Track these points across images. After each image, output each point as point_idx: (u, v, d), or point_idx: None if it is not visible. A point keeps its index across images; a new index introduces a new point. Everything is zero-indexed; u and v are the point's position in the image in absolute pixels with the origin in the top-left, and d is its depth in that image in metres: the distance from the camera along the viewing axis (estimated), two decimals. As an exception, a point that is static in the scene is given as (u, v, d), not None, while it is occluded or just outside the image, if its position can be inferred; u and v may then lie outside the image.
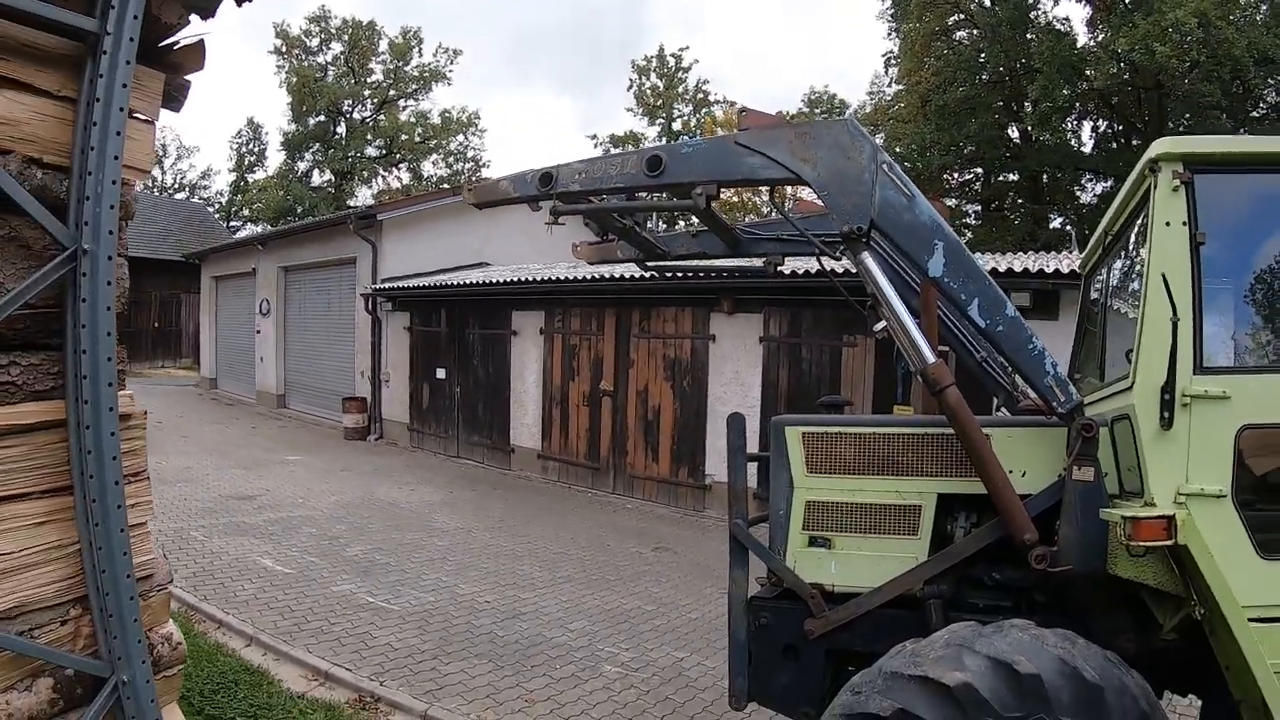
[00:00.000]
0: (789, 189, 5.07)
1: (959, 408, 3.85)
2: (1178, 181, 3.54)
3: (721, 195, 4.50)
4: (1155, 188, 3.62)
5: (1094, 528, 3.61)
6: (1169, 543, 3.30)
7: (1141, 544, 3.35)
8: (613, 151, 52.13)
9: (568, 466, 15.89)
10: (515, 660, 7.10)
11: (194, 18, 3.23)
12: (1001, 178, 35.22)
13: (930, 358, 3.95)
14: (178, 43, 3.17)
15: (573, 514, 13.42)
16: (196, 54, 3.22)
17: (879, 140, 38.71)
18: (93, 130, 2.67)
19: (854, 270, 4.21)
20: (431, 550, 10.57)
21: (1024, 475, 4.03)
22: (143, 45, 2.85)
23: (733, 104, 52.39)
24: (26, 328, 2.72)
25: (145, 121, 2.95)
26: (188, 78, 3.28)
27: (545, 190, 4.62)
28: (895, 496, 4.24)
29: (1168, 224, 3.55)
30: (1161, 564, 3.49)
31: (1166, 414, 3.41)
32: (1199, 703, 4.45)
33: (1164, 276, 3.42)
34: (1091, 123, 32.74)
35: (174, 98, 3.22)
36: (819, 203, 4.30)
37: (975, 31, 31.73)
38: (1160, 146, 3.64)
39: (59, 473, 2.80)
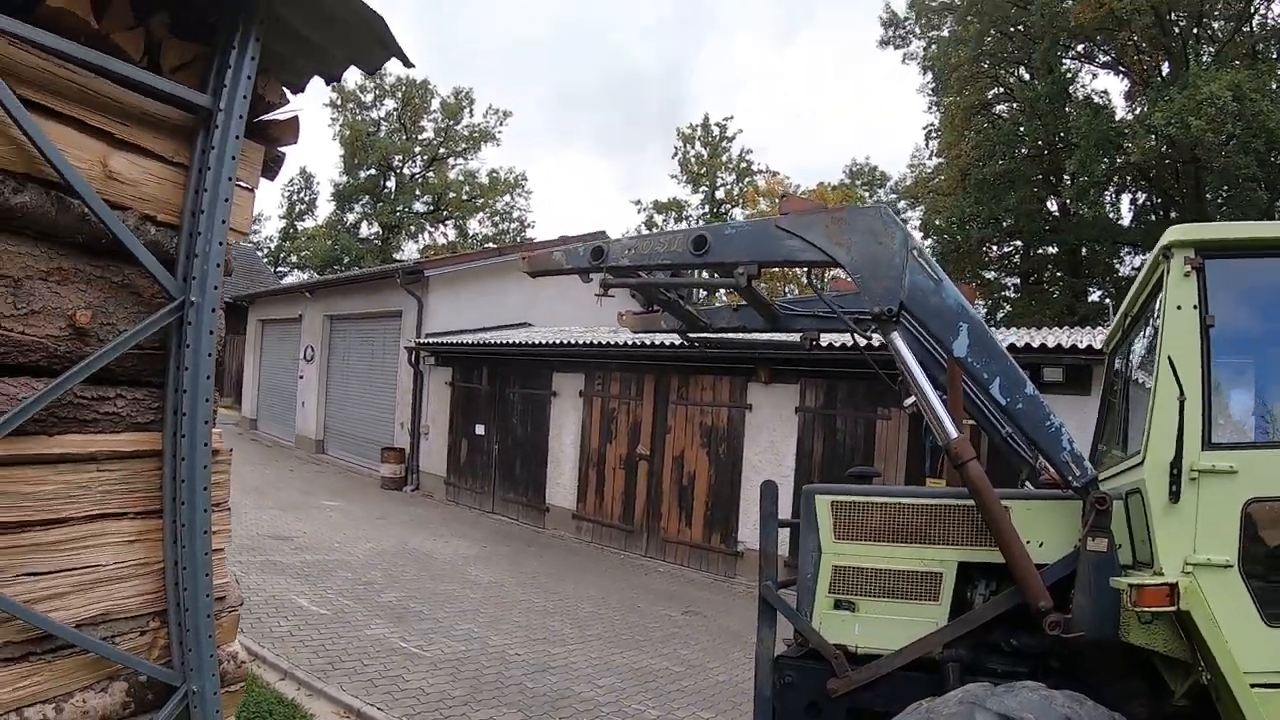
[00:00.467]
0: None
1: (979, 480, 4.05)
2: (1189, 267, 3.75)
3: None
4: (1168, 273, 3.84)
5: (1107, 596, 3.76)
6: (1172, 609, 3.47)
7: (1146, 609, 3.52)
8: (656, 217, 53.05)
9: (601, 527, 16.00)
10: (543, 712, 7.24)
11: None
12: (1040, 250, 35.15)
13: (953, 432, 4.17)
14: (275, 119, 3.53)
15: (605, 574, 13.54)
16: (292, 129, 3.59)
17: (919, 213, 39.10)
18: (203, 195, 3.01)
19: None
20: (465, 602, 10.72)
21: (1041, 545, 4.21)
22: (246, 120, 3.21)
23: (774, 174, 53.07)
24: (133, 366, 3.06)
25: (246, 189, 3.29)
26: (283, 150, 3.62)
27: (596, 264, 4.95)
28: (918, 564, 4.43)
29: (1179, 307, 3.75)
30: (1171, 631, 3.62)
31: (1175, 488, 3.59)
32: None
33: (1170, 359, 3.62)
34: (1130, 195, 32.75)
35: (270, 167, 3.57)
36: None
37: (1014, 105, 31.92)
38: (1173, 234, 3.87)
39: (151, 498, 3.12)
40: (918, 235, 40.78)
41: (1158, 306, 4.02)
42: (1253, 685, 3.41)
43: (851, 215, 4.50)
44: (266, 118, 3.48)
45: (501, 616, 10.20)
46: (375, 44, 3.41)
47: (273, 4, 3.13)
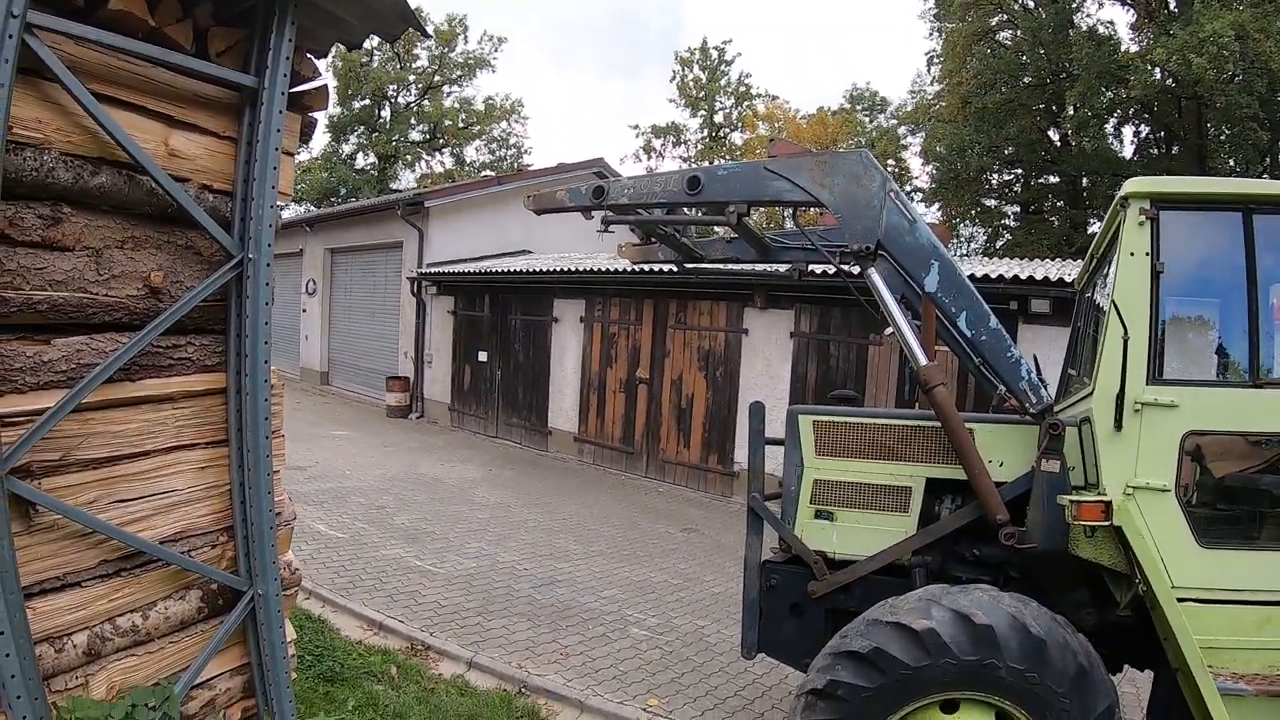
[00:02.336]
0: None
1: (945, 404, 4.50)
2: (1144, 217, 4.10)
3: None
4: (1124, 221, 4.20)
5: (1057, 512, 4.20)
6: (1106, 523, 3.94)
7: (1083, 522, 3.99)
8: (654, 142, 52.78)
9: (602, 450, 16.49)
10: (551, 620, 7.76)
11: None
12: (1041, 180, 34.63)
13: (923, 360, 4.61)
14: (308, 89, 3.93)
15: (606, 494, 14.03)
16: (323, 97, 4.01)
17: (919, 139, 38.89)
18: (254, 164, 3.43)
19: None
20: (473, 522, 11.22)
21: (1001, 465, 4.65)
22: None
23: (774, 98, 52.50)
24: (200, 317, 3.54)
25: (288, 154, 3.70)
26: (314, 116, 4.02)
27: (598, 202, 5.33)
28: (890, 479, 4.90)
29: (1132, 254, 4.12)
30: (1114, 546, 4.07)
31: (1119, 417, 4.01)
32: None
33: (1114, 302, 4.03)
34: (1134, 127, 32.25)
35: (305, 133, 3.97)
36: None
37: (1017, 33, 31.18)
38: (1130, 185, 4.23)
39: (218, 429, 3.64)
40: (918, 161, 40.68)
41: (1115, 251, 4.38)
42: (1180, 599, 3.85)
43: (834, 159, 4.89)
44: (300, 89, 3.87)
45: (509, 535, 10.71)
46: (398, 18, 3.80)
47: (306, -10, 3.51)
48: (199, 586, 3.68)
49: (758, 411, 5.36)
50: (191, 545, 3.62)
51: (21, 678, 2.96)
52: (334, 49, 4.22)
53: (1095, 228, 31.28)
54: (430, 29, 50.92)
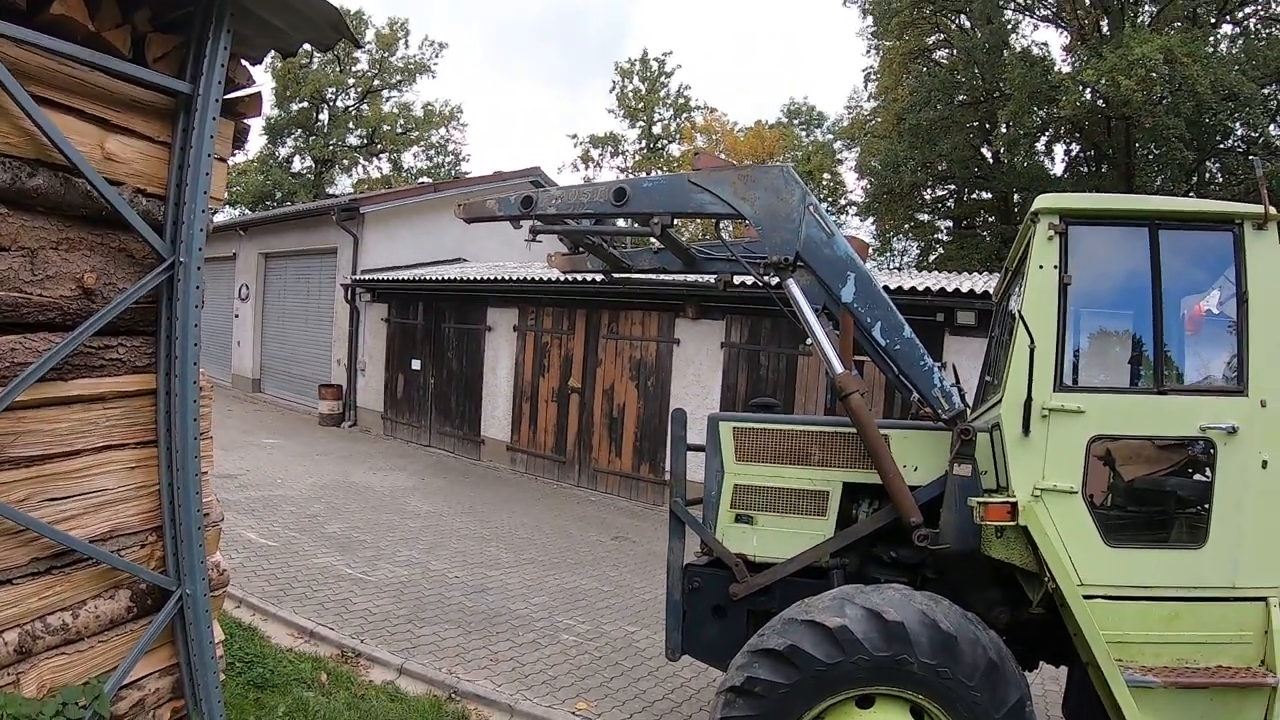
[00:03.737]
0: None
1: (860, 411, 4.66)
2: (1053, 231, 4.32)
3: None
4: (1034, 236, 4.40)
5: (969, 515, 4.37)
6: (1011, 523, 4.13)
7: (990, 523, 4.18)
8: (592, 152, 52.88)
9: (535, 459, 16.54)
10: (482, 627, 7.82)
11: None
12: (973, 196, 35.42)
13: (839, 368, 4.77)
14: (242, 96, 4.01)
15: (538, 503, 14.09)
16: (256, 104, 4.09)
17: (854, 154, 39.41)
18: (186, 169, 3.50)
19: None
20: (405, 530, 11.23)
21: (915, 470, 4.84)
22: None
23: (712, 110, 52.97)
24: (131, 318, 3.60)
25: (220, 160, 3.77)
26: (248, 122, 4.10)
27: (526, 212, 5.44)
28: (808, 483, 5.05)
29: (1041, 267, 4.34)
30: (1025, 546, 4.23)
31: (1026, 423, 4.21)
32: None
33: (1019, 314, 4.24)
34: (1064, 146, 32.99)
35: (239, 139, 4.04)
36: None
37: (954, 53, 31.84)
38: (1040, 202, 4.44)
39: (148, 429, 3.70)
40: (853, 176, 41.18)
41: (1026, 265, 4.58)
42: (1087, 596, 4.05)
43: (756, 173, 5.04)
44: (235, 95, 3.94)
45: (440, 543, 10.74)
46: (330, 29, 3.89)
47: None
48: (128, 586, 3.72)
49: (679, 418, 5.51)
50: (121, 544, 3.67)
51: (-47, 674, 2.99)
52: (269, 56, 4.30)
53: (1026, 243, 31.69)
54: (371, 33, 50.60)
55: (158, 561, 3.81)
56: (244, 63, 4.04)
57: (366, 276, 20.44)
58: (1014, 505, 4.15)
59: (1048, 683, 6.80)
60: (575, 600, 8.94)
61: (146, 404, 3.69)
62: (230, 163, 4.26)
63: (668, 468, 13.45)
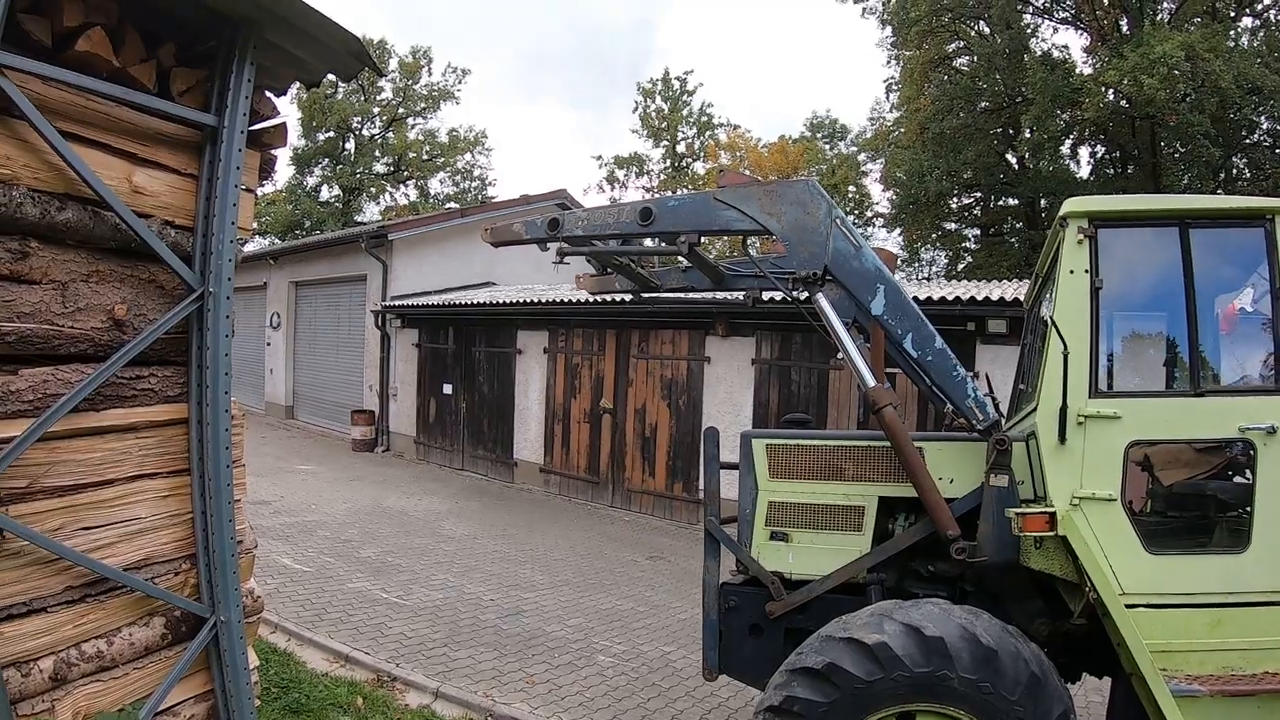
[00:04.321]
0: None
1: (894, 424, 4.61)
2: (1082, 235, 4.26)
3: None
4: (1064, 240, 4.35)
5: (1006, 525, 4.31)
6: (1050, 533, 4.06)
7: (1029, 534, 4.11)
8: (617, 172, 53.07)
9: (568, 480, 16.53)
10: (517, 650, 7.79)
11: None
12: (1000, 203, 35.24)
13: (871, 381, 4.72)
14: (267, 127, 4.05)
15: (572, 524, 14.06)
16: (281, 135, 4.13)
17: (879, 165, 39.33)
18: (214, 201, 3.54)
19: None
20: (439, 554, 11.24)
21: (951, 482, 4.77)
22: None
23: (735, 127, 53.00)
24: (162, 348, 3.63)
25: (248, 191, 3.80)
26: (274, 153, 4.14)
27: (553, 234, 5.44)
28: (843, 498, 5.01)
29: (1072, 271, 4.28)
30: (1064, 556, 4.17)
31: (1062, 431, 4.15)
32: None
33: (1052, 319, 4.19)
34: (1089, 148, 32.72)
35: (265, 170, 4.07)
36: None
37: (974, 59, 31.79)
38: (1068, 205, 4.38)
39: (180, 459, 3.72)
40: (878, 188, 41.07)
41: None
42: (1129, 605, 3.97)
43: (782, 188, 5.02)
44: (260, 127, 3.98)
45: (475, 566, 10.73)
46: (353, 59, 3.93)
47: (265, 32, 3.63)
48: (163, 613, 3.75)
49: (711, 437, 5.48)
50: (155, 572, 3.70)
51: (-13, 701, 3.01)
52: (293, 87, 4.34)
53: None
54: (394, 61, 51.06)
55: (192, 589, 3.84)
56: (268, 94, 4.09)
57: (396, 303, 20.53)
58: (1052, 515, 4.08)
59: (1090, 694, 6.67)
60: (611, 621, 8.90)
61: (179, 433, 3.73)
62: (258, 193, 4.30)
63: (701, 486, 13.51)
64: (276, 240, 47.26)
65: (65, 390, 3.24)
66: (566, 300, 16.07)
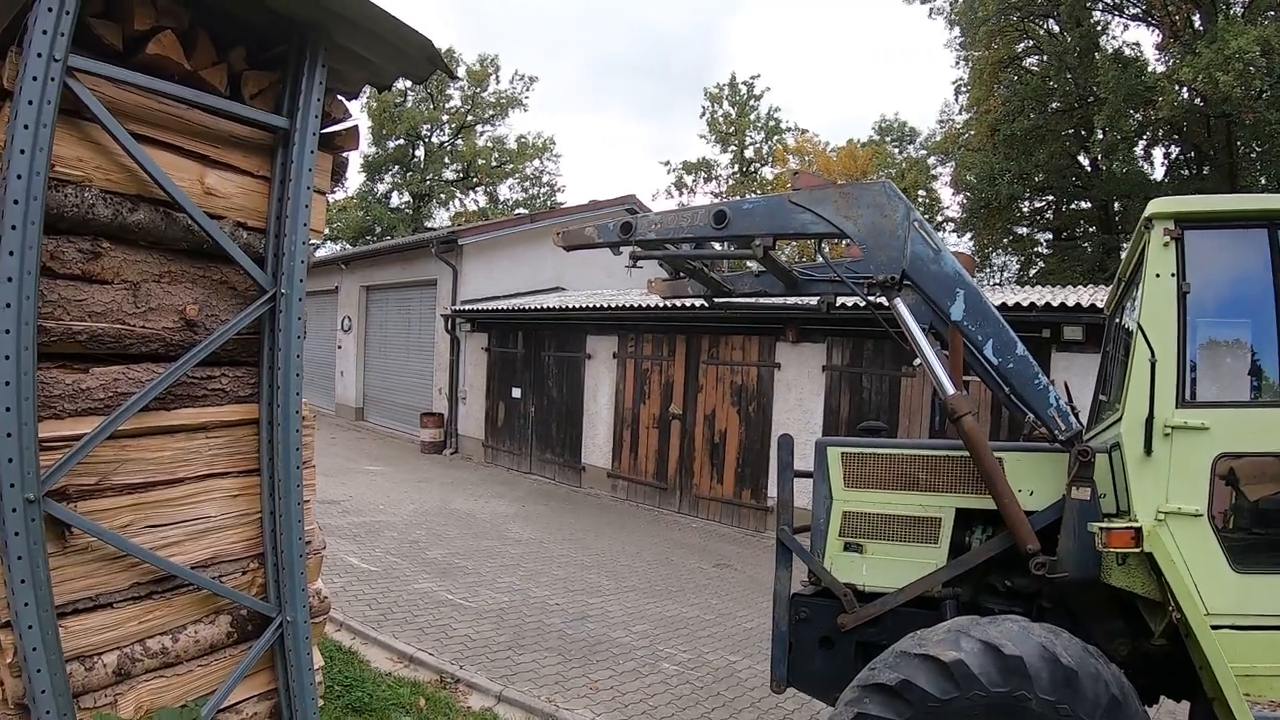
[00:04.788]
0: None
1: (973, 433, 4.46)
2: (1168, 238, 4.07)
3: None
4: (1149, 243, 4.17)
5: (1088, 541, 4.15)
6: (1136, 549, 3.87)
7: (1113, 550, 3.94)
8: (685, 178, 53.01)
9: (636, 485, 16.48)
10: (582, 655, 7.75)
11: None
12: (1072, 206, 34.52)
13: (950, 389, 4.58)
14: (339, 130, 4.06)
15: (639, 530, 14.00)
16: (353, 137, 4.14)
17: (949, 169, 38.75)
18: (286, 203, 3.54)
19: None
20: (506, 557, 11.24)
21: (1031, 494, 4.61)
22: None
23: (804, 131, 52.66)
24: (234, 349, 3.65)
25: (319, 193, 3.81)
26: (345, 156, 4.14)
27: (625, 238, 5.38)
28: (919, 509, 4.86)
29: (1158, 275, 4.09)
30: (1147, 574, 3.99)
31: (1148, 442, 3.97)
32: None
33: (1140, 325, 4.01)
34: (1163, 149, 31.89)
35: (337, 173, 4.08)
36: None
37: (1044, 59, 31.21)
38: (1153, 206, 4.20)
39: (250, 459, 3.73)
40: (948, 191, 40.49)
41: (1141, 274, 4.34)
42: (1215, 626, 3.77)
43: (858, 190, 4.90)
44: (331, 129, 3.99)
45: (541, 570, 10.71)
46: (425, 61, 3.91)
47: (335, 35, 3.62)
48: (229, 611, 3.76)
49: (786, 444, 5.36)
50: (222, 571, 3.72)
51: (52, 694, 3.06)
52: (364, 90, 4.34)
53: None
54: (462, 69, 51.64)
55: (259, 588, 3.85)
56: (339, 97, 4.10)
57: (466, 307, 20.70)
58: (1138, 530, 3.89)
59: (1163, 717, 6.42)
60: (676, 628, 8.81)
61: (249, 433, 3.75)
62: (330, 198, 4.31)
63: (771, 494, 13.45)
64: (348, 245, 48.04)
65: (136, 389, 3.27)
66: (636, 305, 16.06)
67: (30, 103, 2.91)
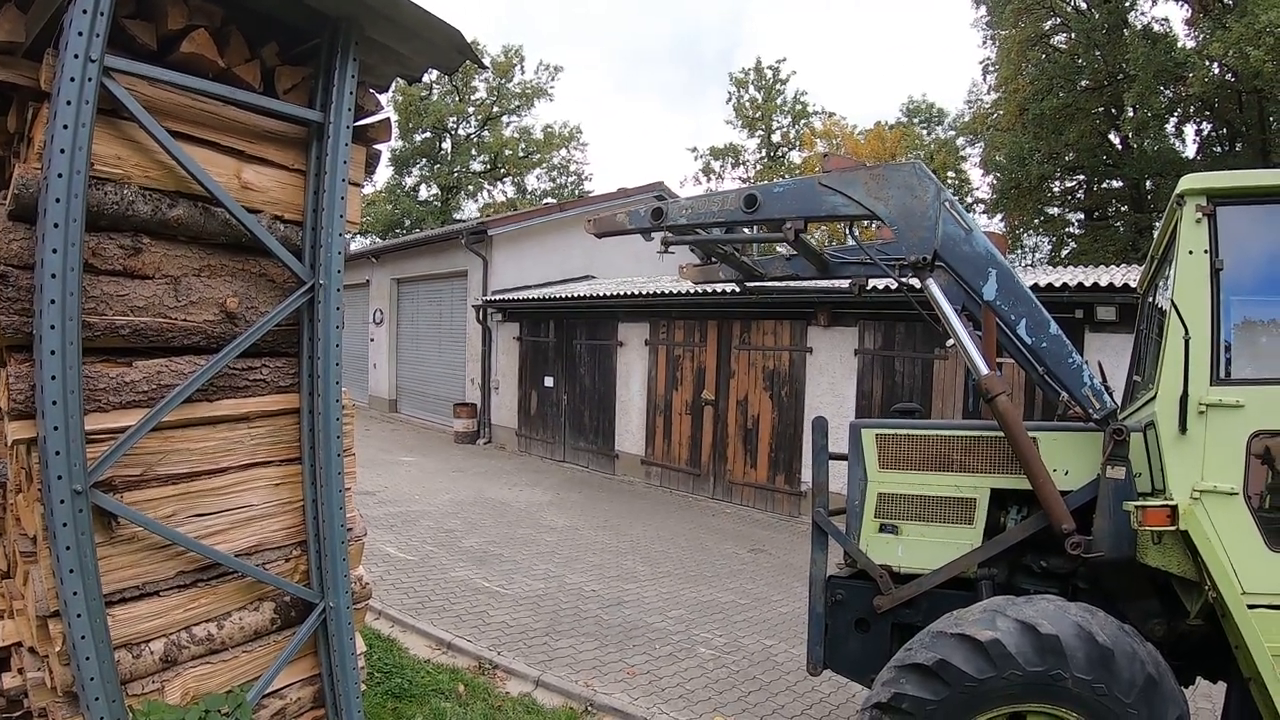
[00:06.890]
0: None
1: (1007, 413, 4.45)
2: (1200, 214, 4.03)
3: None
4: (1181, 220, 4.12)
5: (1123, 520, 4.14)
6: (1171, 528, 3.85)
7: (1149, 528, 3.91)
8: (713, 164, 52.87)
9: (669, 472, 16.50)
10: (618, 640, 7.81)
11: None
12: (1104, 185, 34.05)
13: (984, 369, 4.57)
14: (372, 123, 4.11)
15: (673, 516, 14.03)
16: (385, 130, 4.19)
17: (978, 149, 38.38)
18: (322, 195, 3.60)
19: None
20: (541, 545, 11.31)
21: (1066, 474, 4.58)
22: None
23: (831, 114, 52.32)
24: (274, 340, 3.73)
25: (355, 186, 3.86)
26: (378, 148, 4.19)
27: (657, 224, 5.39)
28: (954, 490, 4.85)
29: (1190, 252, 4.05)
30: (1182, 553, 3.95)
31: (1182, 420, 3.93)
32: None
33: (1174, 303, 3.98)
34: (1195, 126, 31.49)
35: (370, 165, 4.13)
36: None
37: (1072, 36, 30.73)
38: (1186, 182, 4.15)
39: (292, 447, 3.81)
40: (978, 172, 40.12)
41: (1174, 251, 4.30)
42: (1251, 605, 3.74)
43: (889, 171, 4.87)
44: (364, 122, 4.04)
45: (576, 557, 10.79)
46: (455, 52, 3.95)
47: (366, 29, 3.67)
48: (272, 598, 3.85)
49: (820, 427, 5.36)
50: (265, 558, 3.80)
51: (100, 681, 3.14)
52: (394, 83, 4.39)
53: (1160, 231, 30.19)
54: (487, 61, 51.61)
55: (301, 575, 3.94)
56: (371, 90, 4.14)
57: (497, 297, 20.74)
58: (1174, 509, 3.86)
59: (1199, 700, 6.37)
60: (711, 613, 8.84)
61: (290, 423, 3.83)
62: (362, 190, 4.37)
63: (804, 478, 13.45)
64: (377, 239, 48.25)
65: (179, 381, 3.35)
66: (667, 292, 16.06)
67: (69, 103, 2.97)
